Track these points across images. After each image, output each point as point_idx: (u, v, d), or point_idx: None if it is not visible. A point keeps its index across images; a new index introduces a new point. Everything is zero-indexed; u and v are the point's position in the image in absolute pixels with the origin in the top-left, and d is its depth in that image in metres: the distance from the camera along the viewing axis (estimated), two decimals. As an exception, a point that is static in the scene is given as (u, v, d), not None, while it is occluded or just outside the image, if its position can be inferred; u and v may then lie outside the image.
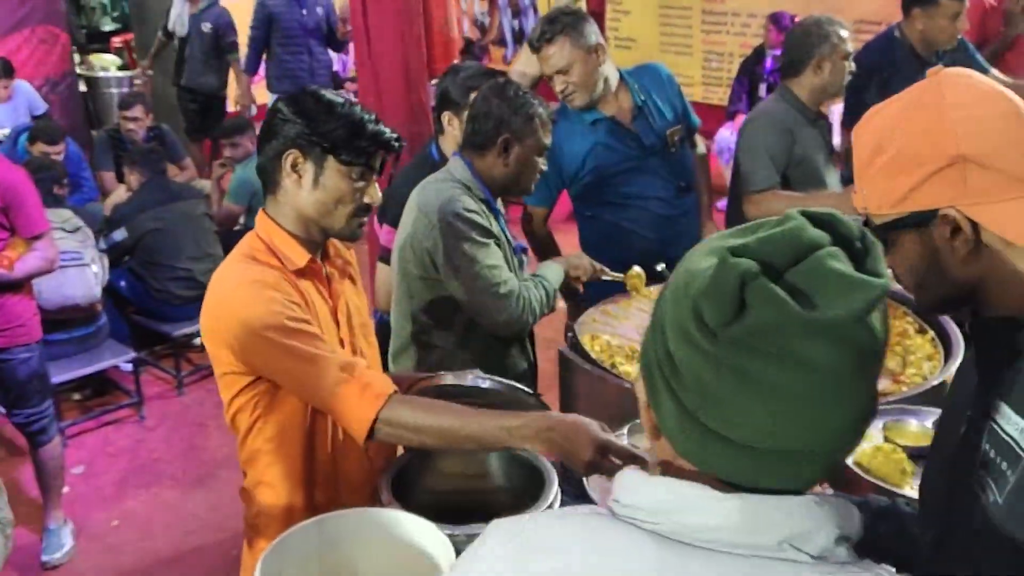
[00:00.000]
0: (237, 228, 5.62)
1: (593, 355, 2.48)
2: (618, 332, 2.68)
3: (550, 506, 1.96)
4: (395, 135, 1.96)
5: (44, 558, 3.84)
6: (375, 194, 1.97)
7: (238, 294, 1.87)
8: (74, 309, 4.64)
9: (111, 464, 4.61)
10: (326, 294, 2.03)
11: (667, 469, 1.00)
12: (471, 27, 10.38)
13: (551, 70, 3.22)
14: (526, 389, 2.17)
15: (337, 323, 2.04)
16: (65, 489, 4.16)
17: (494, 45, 10.28)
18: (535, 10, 10.23)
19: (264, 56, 7.79)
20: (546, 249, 3.55)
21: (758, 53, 7.65)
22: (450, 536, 1.88)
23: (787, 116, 3.47)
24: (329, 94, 1.95)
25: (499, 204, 2.74)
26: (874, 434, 2.09)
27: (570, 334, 2.57)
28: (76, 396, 5.12)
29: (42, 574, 3.84)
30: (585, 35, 3.19)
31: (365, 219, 2.00)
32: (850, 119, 4.07)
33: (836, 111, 4.96)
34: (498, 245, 2.52)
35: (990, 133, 1.25)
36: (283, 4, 7.54)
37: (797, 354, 0.87)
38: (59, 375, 4.56)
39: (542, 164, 2.62)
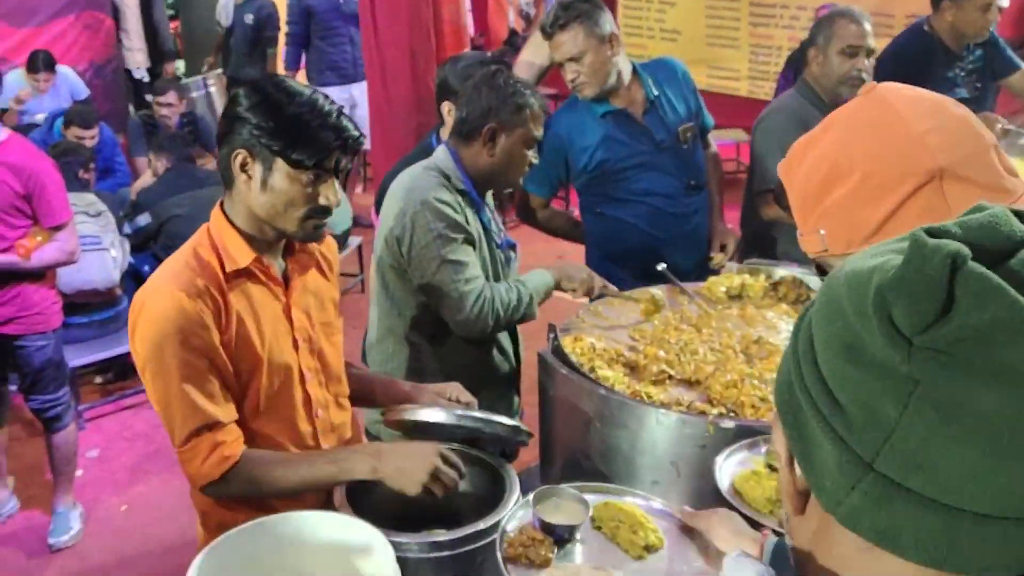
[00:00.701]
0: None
1: (573, 358, 2.39)
2: (606, 334, 2.58)
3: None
4: (355, 134, 1.86)
5: (50, 540, 3.87)
6: (332, 196, 1.88)
7: (154, 298, 1.83)
8: (92, 293, 4.67)
9: (127, 448, 4.64)
10: (280, 292, 1.97)
11: (808, 562, 0.75)
12: (516, 17, 10.30)
13: (562, 57, 3.13)
14: (499, 419, 2.09)
15: (291, 321, 1.98)
16: (79, 472, 4.19)
17: (539, 36, 10.18)
18: (582, 1, 10.08)
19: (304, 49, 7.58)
20: (558, 232, 3.53)
21: (805, 47, 7.44)
22: (404, 544, 1.83)
23: (802, 110, 3.35)
24: (292, 86, 1.86)
25: (489, 197, 2.67)
26: (758, 458, 1.98)
27: (552, 335, 2.48)
28: (98, 379, 5.17)
29: (48, 556, 3.87)
30: (600, 24, 3.10)
31: (322, 221, 1.92)
32: None
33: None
34: (469, 242, 2.44)
35: (959, 142, 1.17)
36: None
37: None
38: (79, 358, 4.61)
39: (532, 157, 2.54)
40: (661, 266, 2.94)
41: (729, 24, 8.85)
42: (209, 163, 6.43)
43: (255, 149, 1.82)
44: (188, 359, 1.80)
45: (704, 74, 9.16)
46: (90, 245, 4.54)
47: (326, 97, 1.88)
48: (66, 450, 3.94)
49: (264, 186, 1.84)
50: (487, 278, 2.50)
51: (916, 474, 0.64)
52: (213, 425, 1.83)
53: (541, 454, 2.50)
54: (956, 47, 3.81)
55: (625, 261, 3.22)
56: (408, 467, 1.86)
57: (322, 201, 1.87)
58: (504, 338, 2.68)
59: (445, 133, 2.96)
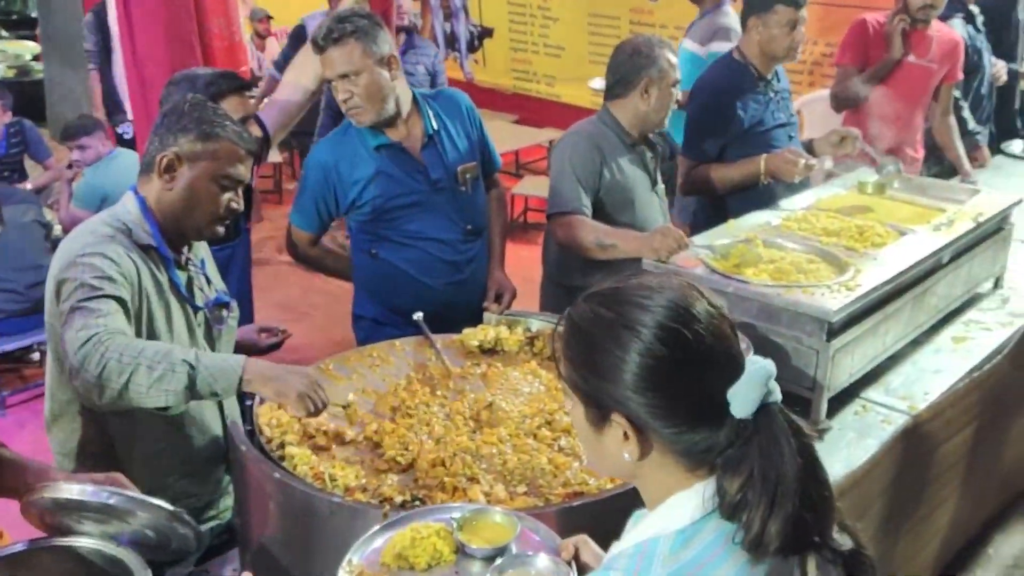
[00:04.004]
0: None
1: (267, 431, 2.09)
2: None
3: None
4: None
5: None
6: None
7: None
8: None
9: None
10: None
11: None
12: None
13: (334, 74, 2.82)
14: (157, 503, 1.79)
15: None
16: None
17: (425, 47, 9.90)
18: (466, 13, 9.86)
19: None
20: (330, 272, 3.30)
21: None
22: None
23: (601, 138, 3.18)
24: None
25: (199, 251, 2.33)
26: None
27: (249, 402, 2.15)
28: None
29: None
30: (378, 42, 2.81)
31: None
32: (690, 149, 3.71)
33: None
34: (119, 300, 1.96)
35: None
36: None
37: None
38: None
39: (230, 200, 2.19)
40: (417, 315, 2.67)
41: (611, 41, 8.61)
42: (40, 176, 6.14)
43: None
44: None
45: (588, 91, 9.00)
46: None
47: None
48: None
49: None
50: (173, 342, 2.13)
51: None
52: None
53: (240, 538, 2.19)
54: (765, 69, 3.65)
55: (393, 307, 2.94)
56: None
57: None
58: (210, 413, 2.29)
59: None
